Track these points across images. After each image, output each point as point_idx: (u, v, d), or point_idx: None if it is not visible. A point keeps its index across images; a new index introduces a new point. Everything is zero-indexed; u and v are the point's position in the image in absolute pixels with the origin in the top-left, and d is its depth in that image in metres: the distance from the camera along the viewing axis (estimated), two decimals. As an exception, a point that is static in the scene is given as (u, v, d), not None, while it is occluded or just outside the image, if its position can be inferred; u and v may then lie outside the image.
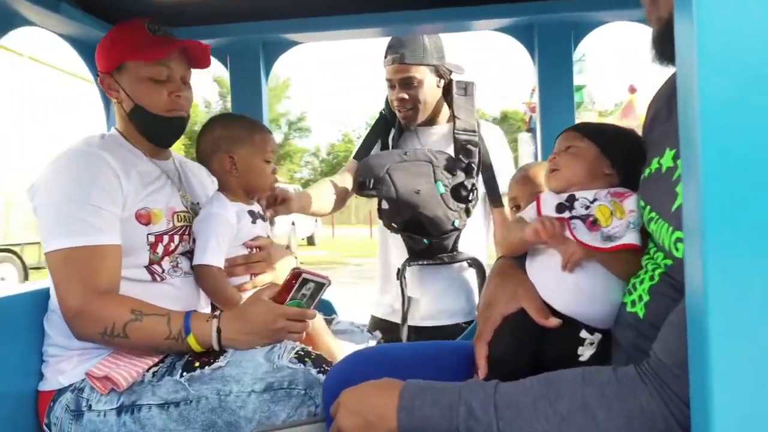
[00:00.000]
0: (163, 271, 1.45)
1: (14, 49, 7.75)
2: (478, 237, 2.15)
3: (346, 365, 1.16)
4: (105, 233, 1.34)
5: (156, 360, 1.34)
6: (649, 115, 1.11)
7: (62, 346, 1.38)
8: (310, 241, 17.58)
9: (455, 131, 2.06)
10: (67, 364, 1.37)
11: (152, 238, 1.42)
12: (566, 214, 1.08)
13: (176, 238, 1.47)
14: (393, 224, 2.03)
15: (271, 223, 1.75)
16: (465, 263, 2.08)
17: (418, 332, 2.07)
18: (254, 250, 1.57)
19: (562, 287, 1.05)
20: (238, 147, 1.55)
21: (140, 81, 1.46)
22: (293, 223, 13.89)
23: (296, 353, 1.28)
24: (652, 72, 1.12)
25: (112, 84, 1.49)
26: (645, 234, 1.02)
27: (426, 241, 2.00)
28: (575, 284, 1.04)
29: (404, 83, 2.04)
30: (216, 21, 1.87)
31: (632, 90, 8.62)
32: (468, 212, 2.03)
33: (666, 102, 1.03)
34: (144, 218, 1.42)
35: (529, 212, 1.15)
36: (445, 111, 2.16)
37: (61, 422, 1.32)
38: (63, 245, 1.31)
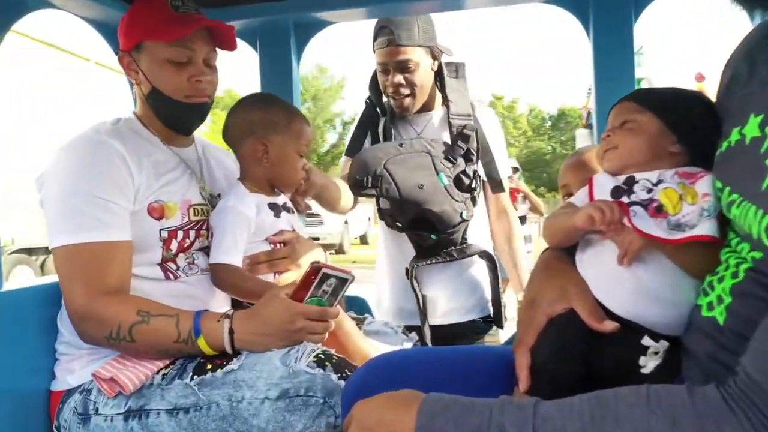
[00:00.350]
0: (178, 268, 1.35)
1: (81, 54, 7.84)
2: (483, 226, 2.03)
3: (368, 371, 1.02)
4: (113, 228, 1.24)
5: (166, 362, 1.23)
6: (725, 79, 0.92)
7: (72, 344, 1.30)
8: (363, 240, 17.56)
9: (450, 116, 1.93)
10: (76, 364, 1.29)
11: (165, 234, 1.32)
12: (624, 199, 0.91)
13: (192, 233, 1.37)
14: (397, 223, 1.91)
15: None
16: (475, 256, 1.96)
17: (431, 332, 1.94)
18: (278, 245, 1.44)
19: (620, 285, 0.89)
20: (273, 134, 1.41)
21: (159, 63, 1.35)
22: (346, 222, 13.85)
23: (316, 356, 1.15)
24: (719, 58, 0.94)
25: (131, 63, 1.39)
26: (723, 222, 0.84)
27: (434, 236, 1.87)
28: (636, 281, 0.87)
29: (400, 67, 1.89)
30: (243, 1, 1.77)
31: (700, 78, 8.13)
32: (474, 201, 1.91)
33: (747, 59, 0.85)
34: (157, 212, 1.31)
35: (580, 196, 0.99)
36: (438, 96, 2.02)
37: (70, 425, 1.24)
38: (67, 241, 1.22)
